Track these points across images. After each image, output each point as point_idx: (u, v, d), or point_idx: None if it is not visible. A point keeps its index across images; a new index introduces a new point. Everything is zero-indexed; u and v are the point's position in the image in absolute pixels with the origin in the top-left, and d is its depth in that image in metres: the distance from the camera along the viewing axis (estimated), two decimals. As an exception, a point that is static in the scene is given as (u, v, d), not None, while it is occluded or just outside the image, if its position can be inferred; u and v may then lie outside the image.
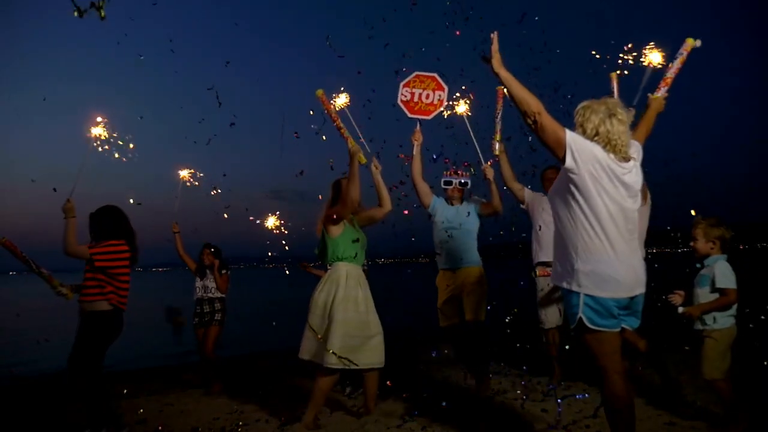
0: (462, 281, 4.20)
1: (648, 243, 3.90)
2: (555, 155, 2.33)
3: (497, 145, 4.31)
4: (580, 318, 2.33)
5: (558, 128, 2.27)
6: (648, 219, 3.88)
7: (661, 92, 3.14)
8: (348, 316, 3.53)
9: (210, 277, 5.13)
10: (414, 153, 4.27)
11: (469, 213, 4.32)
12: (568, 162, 2.27)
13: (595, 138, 2.35)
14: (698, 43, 3.21)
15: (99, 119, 3.99)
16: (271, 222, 4.36)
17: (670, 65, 3.24)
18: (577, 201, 2.34)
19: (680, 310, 3.14)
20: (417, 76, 4.34)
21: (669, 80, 3.21)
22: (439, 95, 4.31)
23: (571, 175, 2.31)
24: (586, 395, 3.93)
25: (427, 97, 4.31)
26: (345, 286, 3.59)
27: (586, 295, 2.32)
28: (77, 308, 3.57)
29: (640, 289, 2.42)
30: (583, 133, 2.39)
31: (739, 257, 3.36)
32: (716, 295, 3.10)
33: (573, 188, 2.33)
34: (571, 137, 2.28)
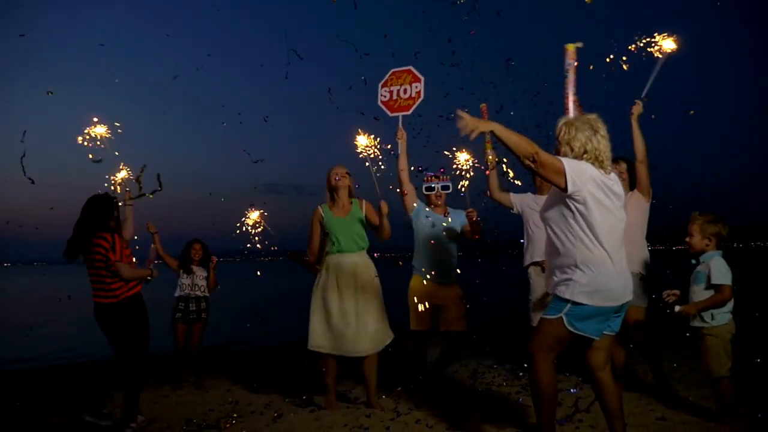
0: (446, 296, 4.08)
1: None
2: (556, 185, 2.41)
3: (490, 157, 4.18)
4: (562, 318, 2.44)
5: (554, 160, 2.38)
6: (647, 215, 3.90)
7: (572, 114, 3.02)
8: (318, 304, 3.78)
9: (198, 274, 5.04)
10: (399, 151, 4.17)
11: (454, 225, 4.21)
12: (571, 188, 2.37)
13: (584, 156, 2.47)
14: (580, 44, 3.00)
15: (96, 119, 4.11)
16: (254, 216, 4.20)
17: (566, 86, 3.05)
18: (575, 218, 2.44)
19: (677, 309, 3.14)
20: (393, 73, 4.29)
21: (573, 98, 3.04)
22: (416, 87, 4.25)
23: (575, 197, 2.40)
24: (579, 390, 3.95)
25: (405, 92, 4.25)
26: (321, 277, 3.83)
27: (574, 303, 2.42)
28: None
29: (629, 297, 2.53)
30: (571, 151, 2.50)
31: (734, 256, 3.37)
32: (711, 292, 3.10)
33: (574, 207, 2.43)
34: (568, 164, 2.38)
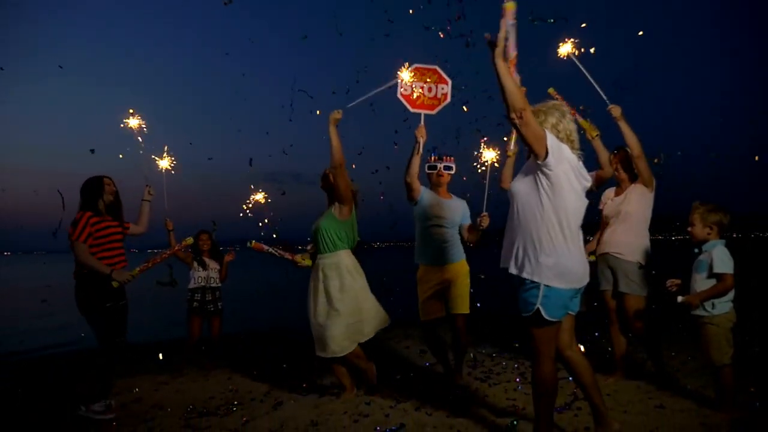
0: (448, 276, 4.04)
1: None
2: (533, 151, 2.39)
3: (512, 146, 4.06)
4: (538, 309, 2.43)
5: (539, 126, 2.38)
6: (651, 205, 3.88)
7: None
8: (307, 305, 3.79)
9: (212, 266, 5.18)
10: (415, 152, 3.95)
11: (457, 212, 4.15)
12: (548, 158, 2.36)
13: (558, 137, 2.48)
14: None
15: (131, 111, 4.30)
16: (260, 196, 4.25)
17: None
18: (547, 196, 2.43)
19: (679, 299, 3.14)
20: (416, 68, 4.12)
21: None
22: (443, 89, 4.12)
23: (547, 171, 2.40)
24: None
25: (429, 90, 4.11)
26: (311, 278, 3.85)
27: (546, 286, 2.42)
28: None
29: (587, 279, 2.59)
30: None
31: (734, 246, 3.36)
32: (713, 281, 3.10)
33: (546, 184, 2.43)
34: (550, 136, 2.39)
